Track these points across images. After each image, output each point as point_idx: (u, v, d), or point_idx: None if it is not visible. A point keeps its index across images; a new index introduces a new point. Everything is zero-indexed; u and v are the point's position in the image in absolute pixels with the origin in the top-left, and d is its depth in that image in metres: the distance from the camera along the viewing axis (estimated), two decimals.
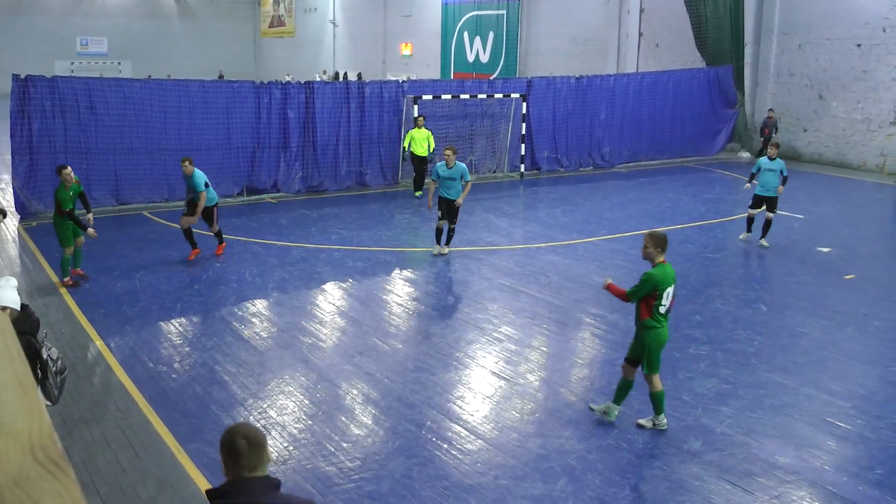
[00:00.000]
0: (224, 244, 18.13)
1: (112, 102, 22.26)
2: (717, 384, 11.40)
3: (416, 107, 26.33)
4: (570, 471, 9.03)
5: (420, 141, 24.84)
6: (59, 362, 8.14)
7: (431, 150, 25.13)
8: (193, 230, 17.64)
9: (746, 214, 19.58)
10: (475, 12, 46.93)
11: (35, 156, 21.42)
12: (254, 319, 14.18)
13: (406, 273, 17.16)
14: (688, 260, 17.89)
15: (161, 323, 13.85)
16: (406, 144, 25.41)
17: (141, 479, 8.81)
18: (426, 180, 20.06)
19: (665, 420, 10.03)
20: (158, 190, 23.10)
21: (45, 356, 7.99)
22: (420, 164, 25.00)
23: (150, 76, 24.95)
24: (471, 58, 47.62)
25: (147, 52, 62.43)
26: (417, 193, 25.00)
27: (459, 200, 17.73)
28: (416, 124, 25.26)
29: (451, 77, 46.75)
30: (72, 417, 10.17)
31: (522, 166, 29.17)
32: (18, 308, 8.08)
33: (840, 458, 9.45)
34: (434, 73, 49.37)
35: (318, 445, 9.57)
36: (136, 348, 12.54)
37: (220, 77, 53.90)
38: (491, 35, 46.02)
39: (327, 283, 16.27)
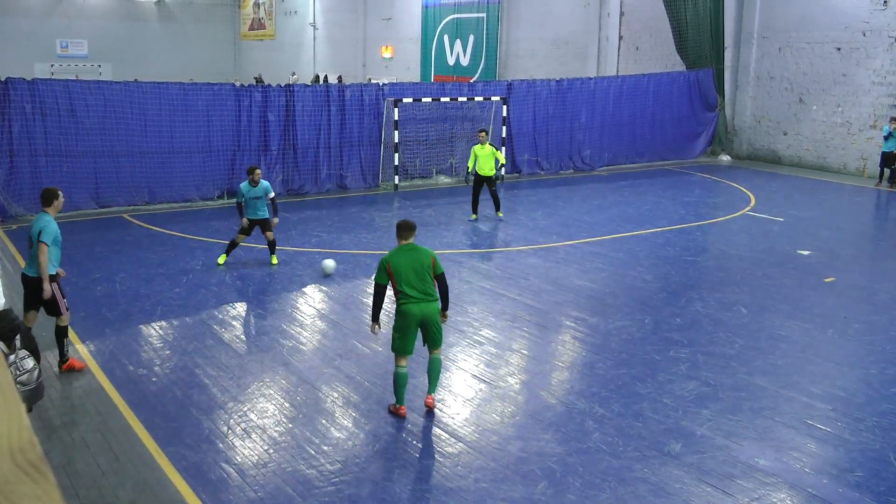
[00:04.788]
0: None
1: (92, 105, 22.18)
2: (698, 387, 11.43)
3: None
4: (551, 474, 9.03)
5: (485, 159, 21.63)
6: (27, 375, 8.07)
7: (501, 167, 22.55)
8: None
9: None
10: (455, 15, 46.90)
11: (15, 158, 21.33)
12: (234, 322, 14.14)
13: None
14: (668, 263, 17.95)
15: (141, 326, 13.79)
16: (471, 165, 22.09)
17: (120, 482, 8.77)
18: None
19: None
20: (139, 193, 23.01)
21: (11, 358, 7.95)
22: (481, 184, 21.87)
23: (136, 79, 24.82)
24: (451, 61, 47.59)
25: (127, 55, 62.02)
26: (473, 217, 22.16)
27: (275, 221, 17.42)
28: (478, 140, 22.24)
29: (432, 80, 46.71)
30: (51, 421, 10.12)
31: (503, 169, 29.16)
32: (3, 308, 8.10)
33: (820, 460, 9.48)
34: (414, 76, 49.33)
35: (299, 448, 9.55)
36: (115, 351, 12.48)
37: (259, 80, 53.27)
38: (471, 38, 46.00)
39: (308, 286, 16.23)
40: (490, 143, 22.23)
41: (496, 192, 22.11)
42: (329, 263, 16.66)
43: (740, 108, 34.44)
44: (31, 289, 11.48)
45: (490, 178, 21.75)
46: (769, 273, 17.29)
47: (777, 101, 33.07)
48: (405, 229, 10.56)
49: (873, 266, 18.58)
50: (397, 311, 10.43)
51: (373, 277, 10.50)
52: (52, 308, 11.62)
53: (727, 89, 34.26)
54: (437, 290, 10.56)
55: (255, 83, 33.30)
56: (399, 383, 10.47)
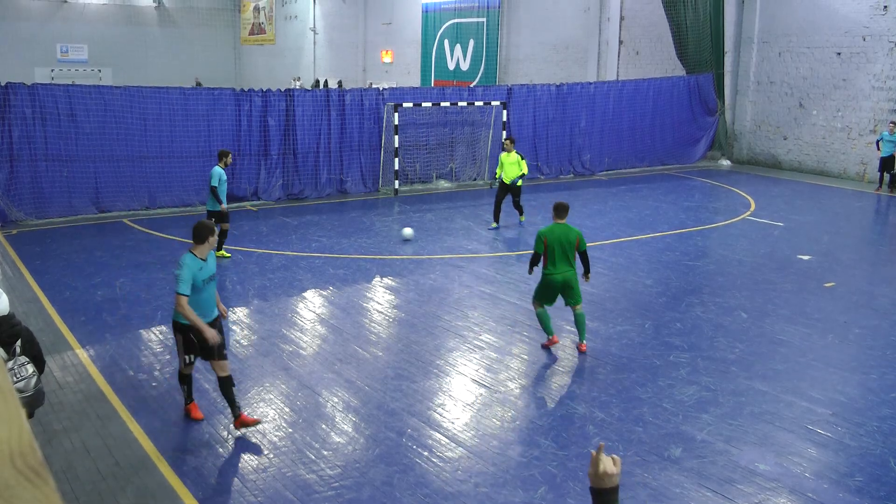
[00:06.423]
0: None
1: (92, 110, 22.21)
2: (698, 391, 11.42)
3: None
4: (551, 478, 9.02)
5: (510, 166, 21.37)
6: (24, 382, 8.04)
7: (524, 173, 21.56)
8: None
9: None
10: (455, 20, 46.88)
11: (16, 163, 21.35)
12: (234, 327, 14.13)
13: (387, 281, 17.13)
14: (668, 268, 17.94)
15: (141, 331, 13.78)
16: (499, 173, 21.70)
17: (121, 486, 8.76)
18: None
19: None
20: (139, 197, 23.02)
21: (10, 364, 7.94)
22: (505, 192, 21.64)
23: (137, 86, 24.86)
24: (451, 65, 47.58)
25: (127, 60, 61.93)
26: (494, 225, 21.83)
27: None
28: (503, 147, 22.30)
29: (432, 84, 46.72)
30: (51, 425, 10.11)
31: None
32: (6, 313, 8.09)
33: (820, 465, 9.47)
34: (414, 80, 49.32)
35: (299, 453, 9.55)
36: (116, 356, 12.48)
37: (198, 84, 53.18)
38: (471, 42, 45.99)
39: (308, 291, 16.23)
40: (517, 152, 21.96)
41: (519, 202, 21.90)
42: (407, 231, 19.95)
43: (740, 113, 34.45)
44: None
45: (515, 187, 21.52)
46: (769, 278, 17.29)
47: (777, 105, 33.08)
48: (560, 210, 12.69)
49: (874, 271, 18.57)
50: (543, 277, 12.66)
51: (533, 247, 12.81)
52: (208, 352, 10.10)
53: (727, 94, 34.26)
54: (577, 260, 12.71)
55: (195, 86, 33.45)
56: (542, 320, 12.79)
